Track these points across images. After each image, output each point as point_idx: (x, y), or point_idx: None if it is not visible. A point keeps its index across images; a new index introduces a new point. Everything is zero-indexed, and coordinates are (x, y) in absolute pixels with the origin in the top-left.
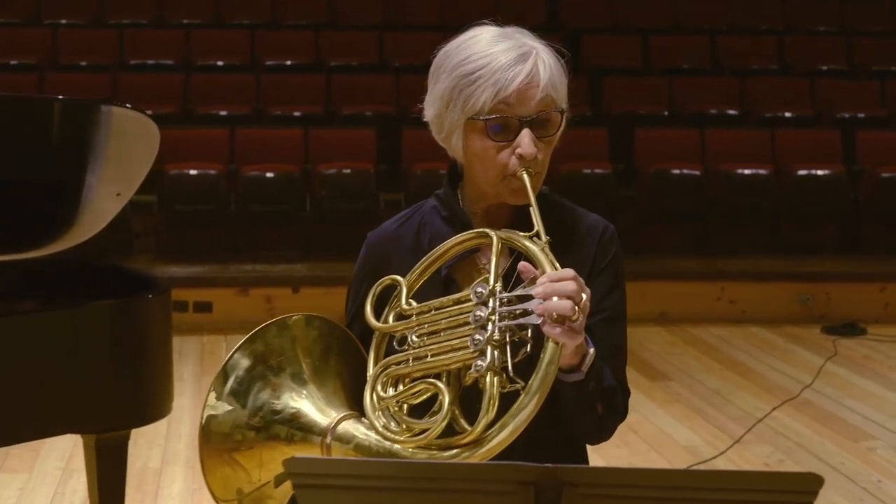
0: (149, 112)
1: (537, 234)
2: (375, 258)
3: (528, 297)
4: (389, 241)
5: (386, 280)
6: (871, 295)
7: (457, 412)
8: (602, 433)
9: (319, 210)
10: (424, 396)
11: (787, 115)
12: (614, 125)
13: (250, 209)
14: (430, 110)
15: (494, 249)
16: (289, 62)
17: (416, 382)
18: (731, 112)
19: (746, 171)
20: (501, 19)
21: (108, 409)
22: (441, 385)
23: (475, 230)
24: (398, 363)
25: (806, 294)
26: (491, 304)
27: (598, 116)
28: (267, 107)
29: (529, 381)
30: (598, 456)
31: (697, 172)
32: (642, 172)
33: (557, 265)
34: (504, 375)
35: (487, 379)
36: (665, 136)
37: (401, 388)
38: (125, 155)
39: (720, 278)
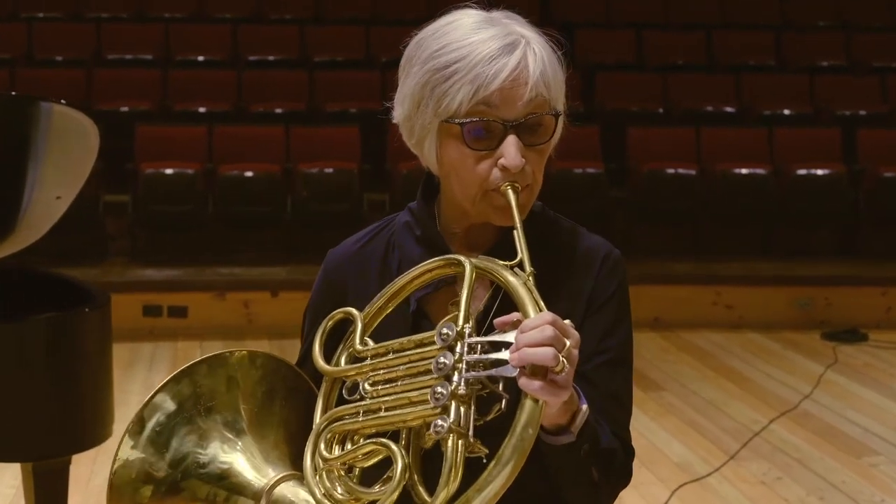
0: (125, 108)
1: (520, 264)
2: (331, 284)
3: (505, 344)
4: (349, 264)
5: (338, 314)
6: (872, 299)
7: (416, 479)
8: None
9: (301, 211)
10: (375, 459)
11: (786, 112)
12: (607, 123)
13: (229, 210)
14: (399, 110)
15: (466, 281)
16: (272, 58)
17: (367, 441)
18: (728, 110)
19: (743, 171)
20: (489, 5)
21: (40, 435)
22: (394, 447)
23: (445, 256)
24: (346, 417)
25: (805, 298)
26: (458, 349)
27: (590, 113)
28: (248, 104)
29: (501, 448)
30: None
31: (692, 172)
32: (635, 172)
33: (541, 304)
34: (470, 438)
35: (450, 442)
36: (659, 135)
37: (349, 446)
38: (65, 156)
39: (716, 282)
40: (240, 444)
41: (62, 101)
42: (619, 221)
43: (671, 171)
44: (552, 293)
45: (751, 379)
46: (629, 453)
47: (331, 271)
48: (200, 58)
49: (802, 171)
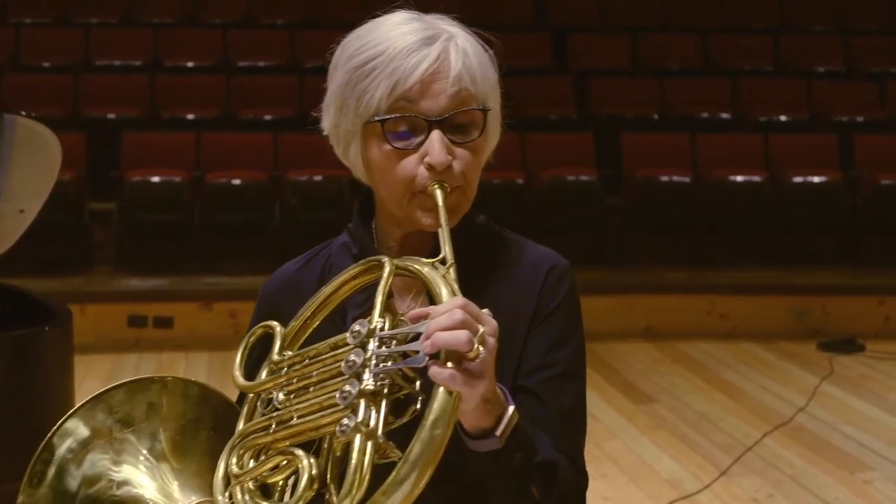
0: (111, 115)
1: (443, 261)
2: (267, 309)
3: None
4: (284, 288)
5: (258, 329)
6: (869, 308)
7: (332, 488)
8: None
9: (289, 219)
10: (288, 471)
11: (782, 118)
12: (600, 129)
13: (216, 218)
14: (326, 120)
15: (384, 278)
16: (262, 63)
17: (276, 453)
18: (724, 115)
19: (739, 178)
20: (484, 17)
21: None
22: (303, 457)
23: (366, 259)
24: (258, 430)
25: (801, 308)
26: (370, 346)
27: (584, 119)
28: (237, 110)
29: (409, 446)
30: None
31: (687, 179)
32: (629, 179)
33: (458, 291)
34: (380, 439)
35: (356, 443)
36: (654, 141)
37: (262, 458)
38: (29, 169)
39: (710, 291)
40: (157, 471)
41: (22, 112)
42: (612, 229)
43: (666, 178)
44: (494, 308)
45: (745, 391)
46: (581, 475)
47: (266, 296)
48: (189, 63)
49: (799, 178)
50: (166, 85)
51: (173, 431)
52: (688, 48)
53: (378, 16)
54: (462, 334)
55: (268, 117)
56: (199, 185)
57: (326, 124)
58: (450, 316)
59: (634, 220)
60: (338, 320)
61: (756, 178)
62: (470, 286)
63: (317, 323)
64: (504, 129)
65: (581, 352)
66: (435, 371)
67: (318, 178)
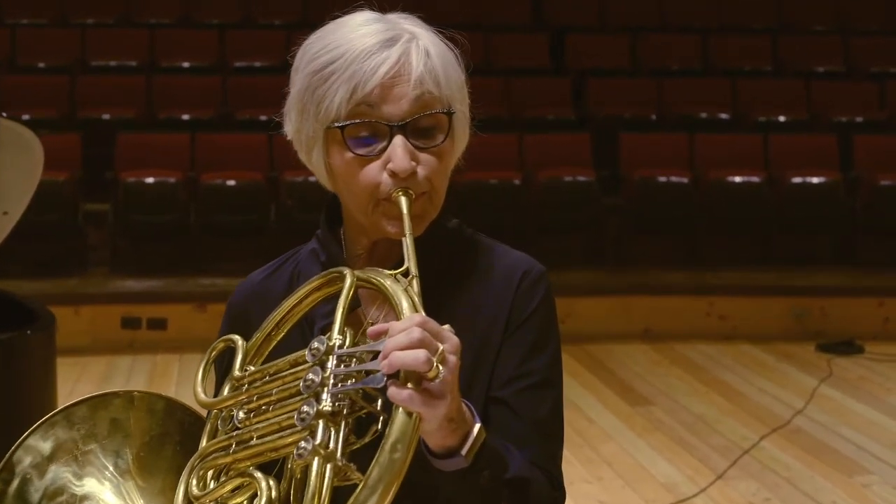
0: (106, 116)
1: (406, 272)
2: (234, 321)
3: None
4: (252, 298)
5: (220, 343)
6: (868, 310)
7: None
8: None
9: (285, 220)
10: (246, 495)
11: (781, 118)
12: (598, 129)
13: (211, 219)
14: (288, 125)
15: (345, 291)
16: (258, 64)
17: (234, 475)
18: (722, 116)
19: (738, 179)
20: (483, 17)
21: None
22: (262, 480)
23: (327, 271)
24: (219, 450)
25: (800, 309)
26: (329, 364)
27: (582, 120)
28: (234, 111)
29: (368, 470)
30: (567, 493)
31: (686, 180)
32: (627, 180)
33: (419, 307)
34: (339, 462)
35: (314, 466)
36: (652, 142)
37: (222, 479)
38: (11, 171)
39: (709, 292)
40: (120, 488)
41: (3, 114)
42: (610, 230)
43: (664, 178)
44: (467, 316)
45: (743, 393)
46: (557, 489)
47: (233, 307)
48: (186, 64)
49: (798, 179)
50: (162, 85)
51: (138, 448)
52: (686, 48)
53: (339, 16)
54: (420, 354)
55: (264, 118)
56: (195, 186)
57: (289, 129)
58: (407, 335)
59: (633, 220)
60: (306, 330)
61: (755, 179)
62: (439, 294)
63: (281, 335)
64: (474, 130)
65: (557, 359)
66: (393, 392)
67: (313, 179)
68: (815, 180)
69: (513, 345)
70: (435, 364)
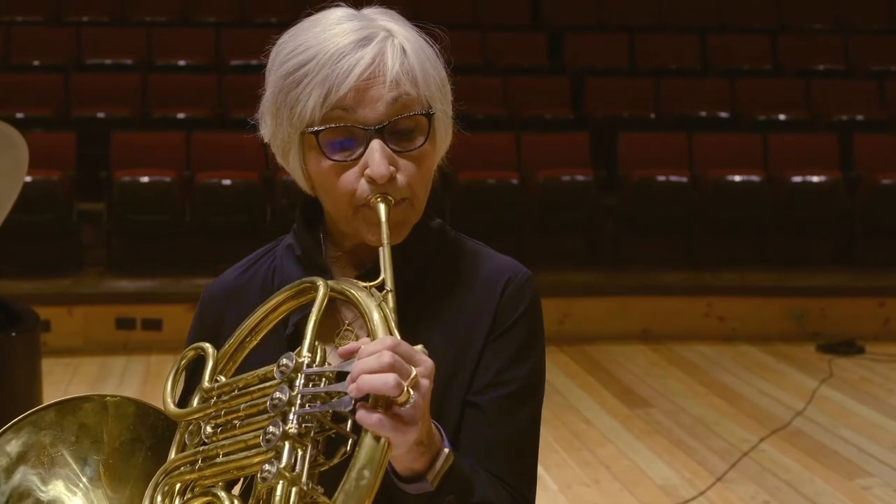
0: (101, 115)
1: (382, 285)
2: (205, 322)
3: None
4: (225, 297)
5: (190, 351)
6: (869, 310)
7: None
8: None
9: (281, 220)
10: None
11: (781, 118)
12: (596, 129)
13: (206, 219)
14: (263, 128)
15: (317, 304)
16: (255, 62)
17: (197, 493)
18: (721, 115)
19: (737, 178)
20: (481, 16)
21: None
22: (225, 499)
23: (299, 281)
24: (184, 465)
25: (800, 310)
26: (297, 383)
27: (580, 119)
28: (229, 110)
29: (334, 496)
30: (564, 497)
31: (684, 179)
32: (626, 179)
33: (392, 327)
34: (305, 486)
35: (279, 490)
36: (650, 141)
37: (187, 496)
38: None
39: (708, 293)
40: (89, 497)
41: None
42: (608, 230)
43: (662, 178)
44: (448, 319)
45: (742, 395)
46: None
47: (205, 306)
48: (182, 62)
49: (798, 179)
50: (158, 84)
51: (108, 454)
52: (685, 47)
53: (312, 14)
54: (389, 378)
55: None
56: (190, 186)
57: (265, 133)
58: (377, 358)
59: (631, 220)
60: (278, 327)
61: (754, 179)
62: (420, 297)
63: (255, 343)
64: (458, 128)
65: (539, 369)
66: (362, 416)
67: None
68: (814, 180)
69: (495, 351)
70: (406, 388)
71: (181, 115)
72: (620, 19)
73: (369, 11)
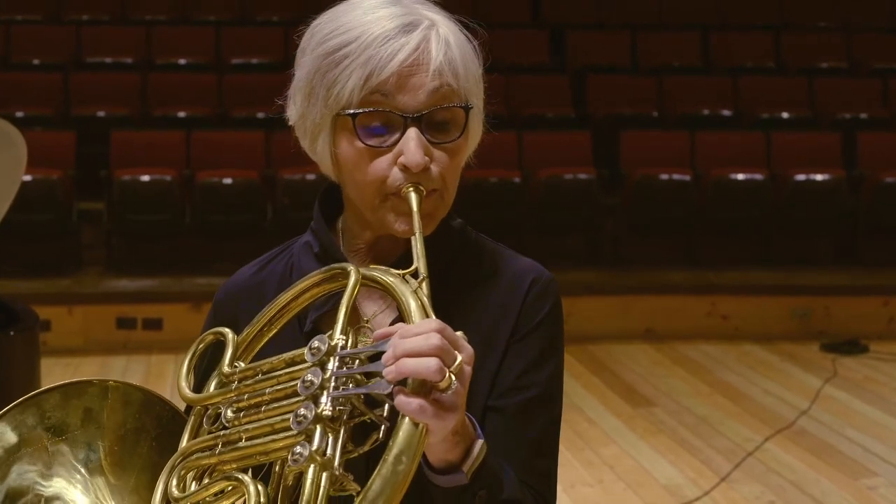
0: (101, 113)
1: (415, 273)
2: (221, 318)
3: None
4: (240, 294)
5: (209, 335)
6: (873, 309)
7: None
8: None
9: (281, 219)
10: (231, 500)
11: (784, 116)
12: (598, 127)
13: (206, 218)
14: (291, 109)
15: (349, 289)
16: (255, 61)
17: (221, 477)
18: (724, 113)
19: (740, 177)
20: (481, 14)
21: None
22: (249, 484)
23: (329, 266)
24: (203, 449)
25: (803, 309)
26: (330, 365)
27: (582, 118)
28: (230, 108)
29: (368, 481)
30: (568, 497)
31: (687, 178)
32: (628, 178)
33: (430, 312)
34: (337, 471)
35: (310, 473)
36: (653, 139)
37: (205, 482)
38: None
39: (711, 292)
40: (90, 485)
41: None
42: (611, 229)
43: (665, 176)
44: (470, 319)
45: (746, 394)
46: None
47: (220, 305)
48: (182, 61)
49: (801, 177)
50: (158, 83)
51: (111, 442)
52: (688, 45)
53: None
54: (432, 362)
55: (261, 115)
56: (190, 185)
57: (292, 114)
58: (425, 339)
59: (633, 219)
60: (294, 324)
61: (757, 177)
62: (443, 298)
63: (274, 332)
64: (486, 127)
65: (559, 376)
66: (402, 401)
67: (310, 176)
68: (817, 178)
69: (517, 354)
70: (448, 374)
71: (181, 114)
72: (622, 17)
73: (408, 0)
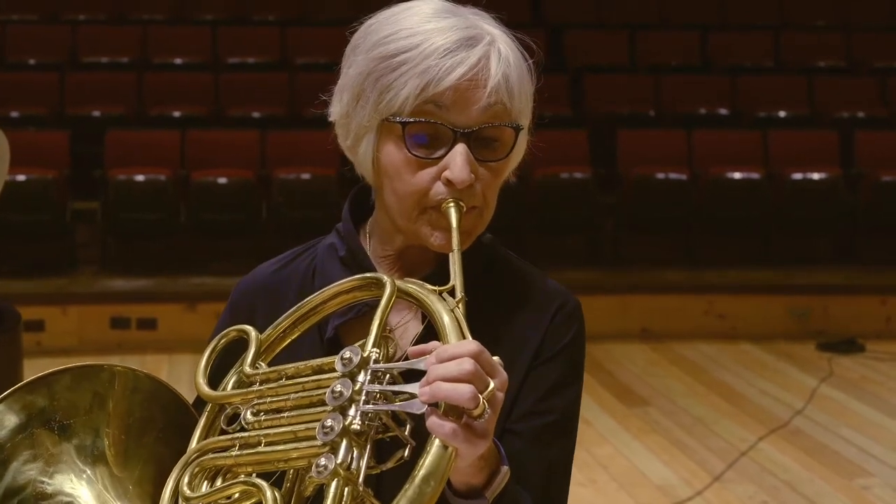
0: (96, 113)
1: (452, 291)
2: (237, 317)
3: (418, 375)
4: (260, 293)
5: (232, 332)
6: (870, 308)
7: None
8: None
9: (276, 219)
10: (248, 502)
11: (782, 115)
12: (596, 126)
13: (201, 218)
14: (336, 105)
15: (384, 301)
16: (252, 60)
17: (237, 481)
18: (722, 112)
19: (737, 176)
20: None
21: None
22: (268, 490)
23: (365, 275)
24: (220, 449)
25: (801, 308)
26: (360, 378)
27: (579, 117)
28: (226, 108)
29: (394, 501)
30: None
31: (684, 177)
32: (625, 177)
33: (467, 333)
34: (360, 487)
35: (332, 488)
36: (650, 138)
37: (219, 483)
38: None
39: (708, 291)
40: (95, 474)
41: None
42: (607, 228)
43: (662, 176)
44: (494, 339)
45: (742, 394)
46: None
47: (237, 302)
48: (178, 60)
49: (798, 176)
50: (154, 82)
51: (118, 430)
52: (686, 44)
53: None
54: (466, 389)
55: (256, 115)
56: (185, 184)
57: (335, 111)
58: (458, 365)
59: (630, 218)
60: (314, 330)
61: (754, 176)
62: (468, 314)
63: (297, 334)
64: (529, 145)
65: (577, 403)
66: (435, 423)
67: (305, 176)
68: (815, 177)
69: (538, 377)
70: (482, 401)
71: (176, 114)
72: (621, 16)
73: (465, 10)
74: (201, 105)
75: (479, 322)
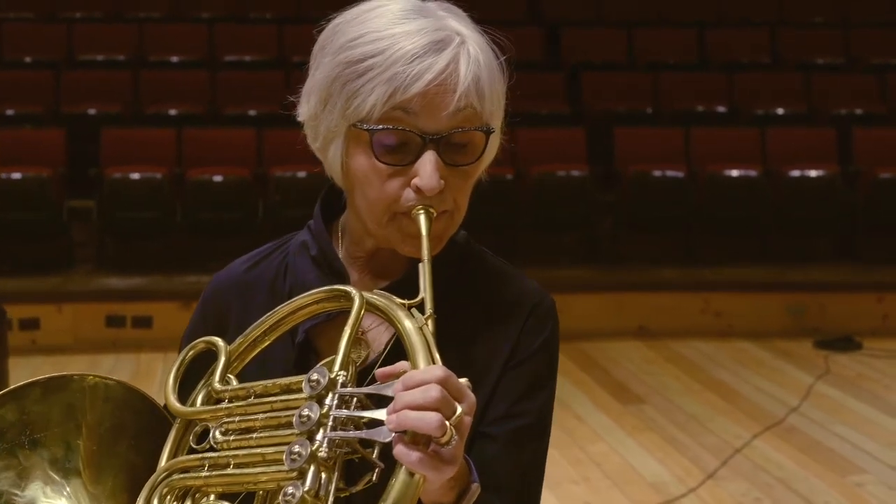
0: (91, 111)
1: (421, 305)
2: (209, 314)
3: (387, 399)
4: (233, 290)
5: (199, 343)
6: (867, 306)
7: None
8: None
9: (273, 217)
10: None
11: (779, 112)
12: (593, 124)
13: (197, 216)
14: (304, 106)
15: (352, 318)
16: (248, 58)
17: (209, 502)
18: (719, 109)
19: (734, 173)
20: (476, 10)
21: None
22: None
23: (333, 287)
24: (190, 469)
25: (797, 305)
26: (328, 401)
27: (576, 114)
28: (222, 106)
29: None
30: (553, 495)
31: (681, 175)
32: (622, 175)
33: (436, 355)
34: None
35: None
36: (647, 136)
37: None
38: None
39: (705, 289)
40: (67, 488)
41: None
42: (604, 226)
43: (659, 173)
44: (467, 341)
45: (738, 391)
46: None
47: (210, 299)
48: (174, 59)
49: (796, 173)
50: (150, 80)
51: (90, 441)
52: (683, 42)
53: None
54: (433, 418)
55: (252, 113)
56: (180, 183)
57: (304, 112)
58: (424, 392)
59: (627, 216)
60: (287, 338)
61: (752, 173)
62: (439, 316)
63: (266, 343)
64: (502, 142)
65: (551, 401)
66: (401, 451)
67: (301, 174)
68: (813, 174)
69: (512, 380)
70: (449, 428)
71: (173, 112)
72: (618, 14)
73: (432, 6)
74: (198, 103)
75: (452, 326)
